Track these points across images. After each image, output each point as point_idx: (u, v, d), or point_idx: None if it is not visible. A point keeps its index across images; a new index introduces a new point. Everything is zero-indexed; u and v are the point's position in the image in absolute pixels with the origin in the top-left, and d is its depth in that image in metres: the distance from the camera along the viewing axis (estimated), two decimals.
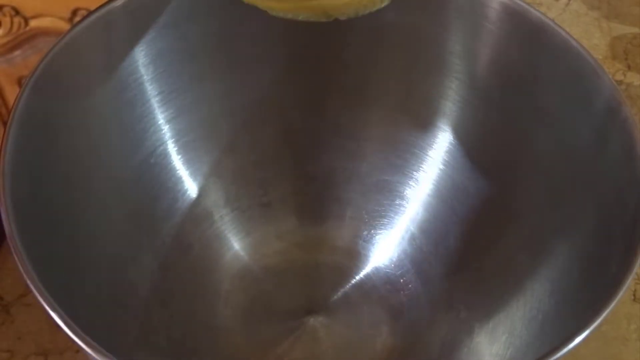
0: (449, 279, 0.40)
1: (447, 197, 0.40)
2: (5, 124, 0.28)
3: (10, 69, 0.67)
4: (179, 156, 0.39)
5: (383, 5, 0.20)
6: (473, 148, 0.39)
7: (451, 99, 0.39)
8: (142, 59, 0.35)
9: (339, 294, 0.41)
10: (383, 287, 0.41)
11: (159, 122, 0.38)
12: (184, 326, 0.38)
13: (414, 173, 0.42)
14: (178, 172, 0.40)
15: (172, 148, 0.39)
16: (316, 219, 0.43)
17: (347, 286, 0.42)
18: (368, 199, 0.43)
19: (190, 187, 0.40)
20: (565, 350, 0.25)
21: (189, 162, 0.40)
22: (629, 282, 0.27)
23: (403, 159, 0.42)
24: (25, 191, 0.28)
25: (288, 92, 0.41)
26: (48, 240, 0.29)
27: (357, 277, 0.42)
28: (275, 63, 0.39)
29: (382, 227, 0.43)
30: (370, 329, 0.40)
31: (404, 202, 0.42)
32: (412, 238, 0.42)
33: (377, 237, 0.43)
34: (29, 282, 0.25)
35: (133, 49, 0.35)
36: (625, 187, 0.31)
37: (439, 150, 0.40)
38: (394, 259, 0.42)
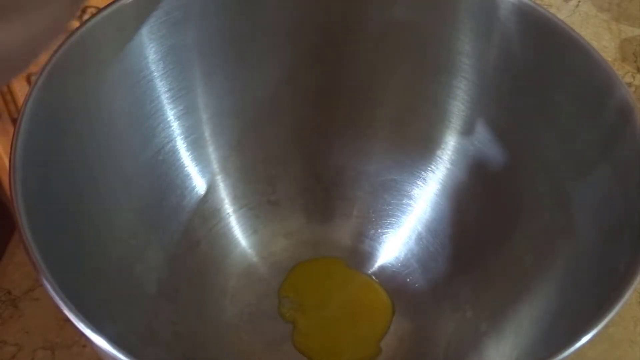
0: (456, 279, 0.40)
1: (454, 196, 0.40)
2: (14, 120, 0.28)
3: None
4: (188, 153, 0.39)
5: None
6: (481, 148, 0.39)
7: (460, 99, 0.39)
8: (152, 56, 0.36)
9: None
10: (389, 286, 0.41)
11: (169, 119, 0.38)
12: (190, 322, 0.38)
13: (422, 172, 0.42)
14: (187, 168, 0.40)
15: (181, 145, 0.39)
16: (324, 217, 0.43)
17: None
18: (375, 198, 0.43)
19: (199, 183, 0.40)
20: (571, 350, 0.25)
21: (197, 159, 0.40)
22: (636, 284, 0.27)
23: (411, 159, 0.42)
24: (35, 186, 0.28)
25: (297, 91, 0.41)
26: (57, 235, 0.29)
27: None
28: (285, 61, 0.40)
29: (389, 226, 0.43)
30: None
31: (412, 202, 0.42)
32: (419, 237, 0.42)
33: (384, 236, 0.43)
34: (38, 275, 0.25)
35: (143, 46, 0.35)
36: (632, 189, 0.31)
37: (446, 150, 0.40)
38: (401, 258, 0.42)
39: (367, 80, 0.40)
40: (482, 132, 0.39)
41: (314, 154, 0.43)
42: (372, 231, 0.43)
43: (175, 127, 0.38)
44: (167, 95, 0.37)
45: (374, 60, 0.40)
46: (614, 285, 0.27)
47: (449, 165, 0.40)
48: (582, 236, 0.33)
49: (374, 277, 0.42)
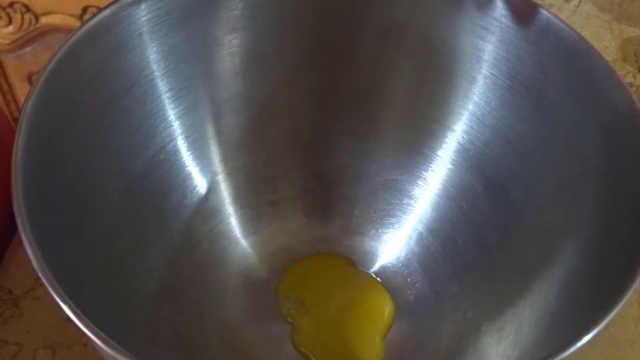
0: (456, 279, 0.40)
1: (455, 197, 0.40)
2: (15, 120, 0.28)
3: (20, 65, 0.68)
4: (189, 152, 0.39)
5: None
6: (482, 148, 0.39)
7: (460, 99, 0.39)
8: (153, 55, 0.36)
9: None
10: (390, 286, 0.41)
11: (170, 119, 0.38)
12: (191, 322, 0.38)
13: (423, 173, 0.42)
14: (187, 168, 0.40)
15: (182, 144, 0.39)
16: (324, 217, 0.43)
17: None
18: (376, 198, 0.43)
19: (200, 183, 0.40)
20: (571, 350, 0.25)
21: (198, 158, 0.40)
22: (636, 284, 0.27)
23: (412, 159, 0.42)
24: (36, 186, 0.28)
25: (299, 91, 0.41)
26: (58, 235, 0.29)
27: None
28: (287, 61, 0.40)
29: (390, 226, 0.43)
30: None
31: (412, 202, 0.42)
32: (420, 237, 0.42)
33: (384, 236, 0.43)
34: (40, 274, 0.25)
35: (144, 45, 0.35)
36: (633, 189, 0.31)
37: (447, 150, 0.40)
38: (402, 258, 0.42)
39: (367, 80, 0.40)
40: (482, 132, 0.39)
41: (315, 154, 0.43)
42: (373, 231, 0.43)
43: (176, 127, 0.38)
44: (168, 95, 0.37)
45: (374, 60, 0.40)
46: (614, 285, 0.27)
47: (449, 165, 0.40)
48: (582, 236, 0.33)
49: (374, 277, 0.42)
